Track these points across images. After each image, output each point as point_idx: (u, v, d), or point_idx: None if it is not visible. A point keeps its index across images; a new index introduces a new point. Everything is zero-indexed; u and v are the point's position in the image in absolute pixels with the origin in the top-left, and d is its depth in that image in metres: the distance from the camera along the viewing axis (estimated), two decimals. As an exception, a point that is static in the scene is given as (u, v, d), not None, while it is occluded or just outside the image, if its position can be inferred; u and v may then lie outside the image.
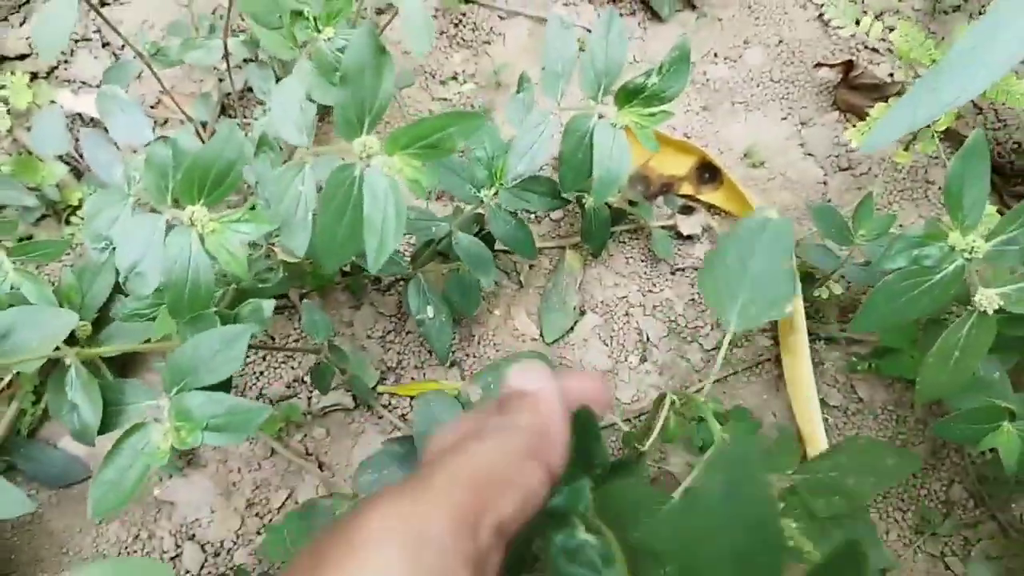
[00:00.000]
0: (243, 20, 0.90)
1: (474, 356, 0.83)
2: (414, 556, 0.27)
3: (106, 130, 0.74)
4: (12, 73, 0.81)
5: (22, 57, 0.90)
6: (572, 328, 0.84)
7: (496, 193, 0.69)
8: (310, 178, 0.58)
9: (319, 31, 0.65)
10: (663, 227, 0.86)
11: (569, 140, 0.62)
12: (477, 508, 0.30)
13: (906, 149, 0.83)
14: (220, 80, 0.89)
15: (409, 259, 0.76)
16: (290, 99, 0.60)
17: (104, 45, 0.92)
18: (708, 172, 0.86)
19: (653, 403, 0.80)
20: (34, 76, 0.88)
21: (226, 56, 0.77)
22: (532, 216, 0.88)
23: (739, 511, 0.23)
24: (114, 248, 0.57)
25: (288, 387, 0.81)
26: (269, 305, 0.61)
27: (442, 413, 0.59)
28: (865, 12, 0.83)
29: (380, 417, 0.80)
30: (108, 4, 0.95)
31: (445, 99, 0.91)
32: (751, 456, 0.23)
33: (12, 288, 0.71)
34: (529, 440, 0.33)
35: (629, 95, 0.61)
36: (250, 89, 0.87)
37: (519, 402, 0.35)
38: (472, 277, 0.77)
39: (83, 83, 0.90)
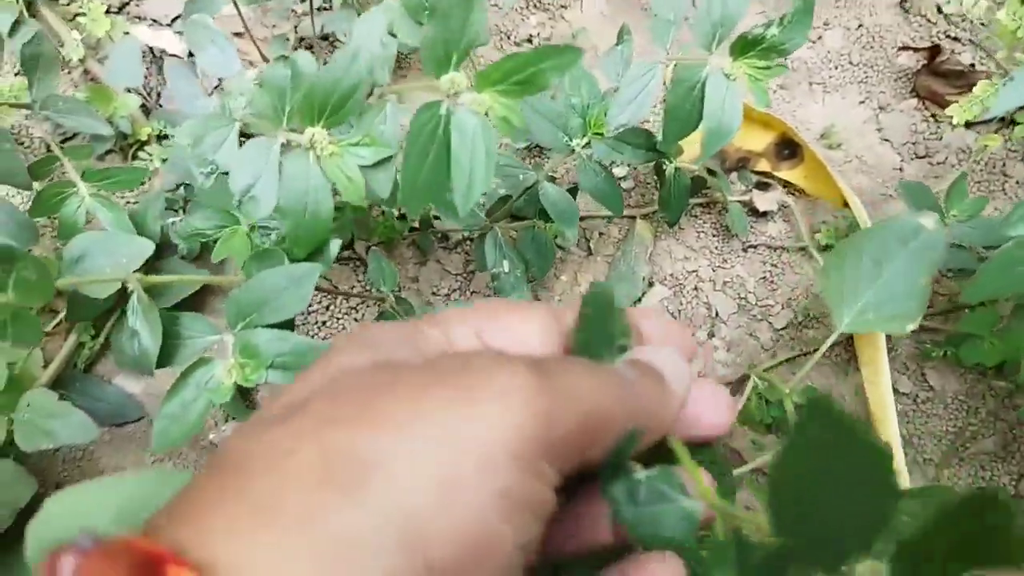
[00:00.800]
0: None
1: (540, 320, 0.81)
2: (535, 418, 0.25)
3: (185, 63, 0.73)
4: (91, 2, 0.79)
5: (93, -10, 0.88)
6: (640, 299, 0.83)
7: (588, 143, 0.67)
8: (392, 116, 0.56)
9: None
10: (738, 202, 0.84)
11: (677, 90, 0.60)
12: (585, 438, 0.28)
13: (996, 131, 0.82)
14: (295, 26, 0.87)
15: (484, 214, 0.75)
16: (372, 33, 0.58)
17: (177, -17, 0.90)
18: (788, 149, 0.85)
19: (735, 382, 0.79)
20: (107, 10, 0.87)
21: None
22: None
23: (846, 451, 0.21)
24: (222, 173, 0.56)
25: (351, 338, 0.79)
26: (335, 244, 0.59)
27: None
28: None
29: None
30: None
31: (519, 61, 0.90)
32: (841, 409, 0.21)
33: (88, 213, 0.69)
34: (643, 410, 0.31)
35: (746, 46, 0.59)
36: (325, 37, 0.86)
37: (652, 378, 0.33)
38: (546, 237, 0.76)
39: (154, 20, 0.88)
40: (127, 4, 0.89)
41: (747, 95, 0.61)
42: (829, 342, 0.56)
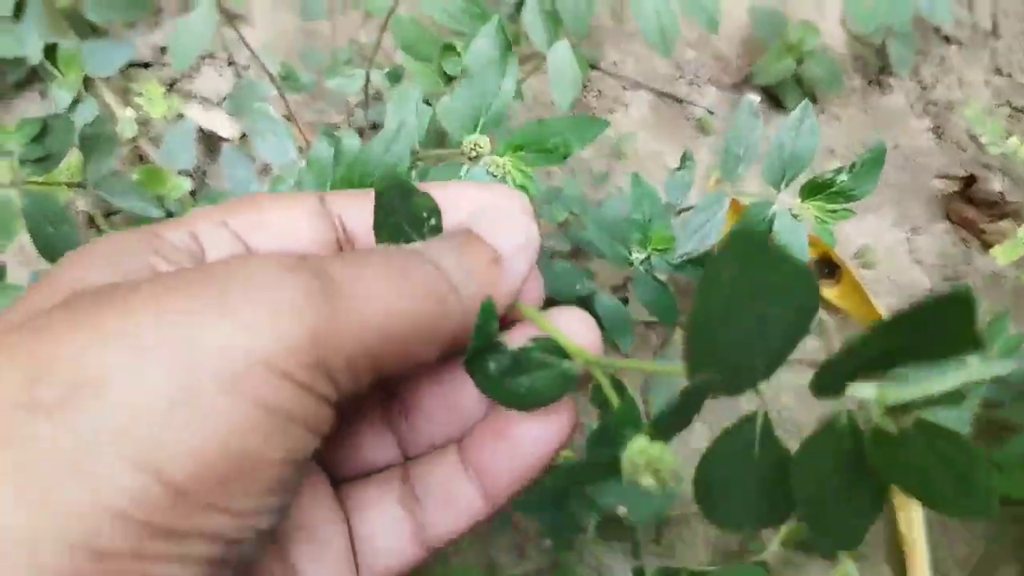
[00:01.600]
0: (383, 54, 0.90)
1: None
2: (304, 332, 0.23)
3: (238, 148, 0.73)
4: (149, 82, 0.80)
5: (147, 65, 0.89)
6: (675, 407, 0.83)
7: (647, 258, 0.68)
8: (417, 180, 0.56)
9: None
10: (775, 317, 0.85)
11: (746, 224, 0.62)
12: (384, 352, 0.25)
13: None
14: (348, 117, 0.88)
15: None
16: (406, 102, 0.59)
17: (229, 64, 0.91)
18: (827, 268, 0.86)
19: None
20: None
21: (367, 85, 0.77)
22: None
23: (767, 267, 0.21)
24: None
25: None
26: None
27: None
28: (1011, 133, 0.85)
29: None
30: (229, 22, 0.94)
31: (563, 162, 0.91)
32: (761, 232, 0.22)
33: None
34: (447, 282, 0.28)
35: (815, 189, 0.60)
36: (375, 126, 0.87)
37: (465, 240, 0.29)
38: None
39: (204, 98, 0.89)
40: (177, 81, 0.90)
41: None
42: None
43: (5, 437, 0.21)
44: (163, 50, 0.90)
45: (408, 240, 0.30)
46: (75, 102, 0.78)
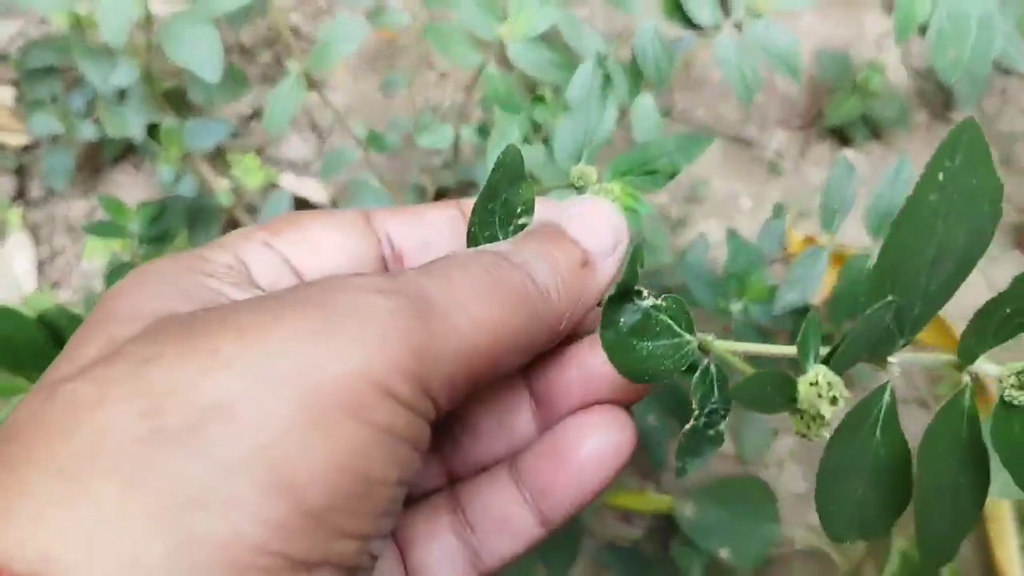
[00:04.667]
0: (457, 110, 0.93)
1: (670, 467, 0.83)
2: (409, 352, 0.23)
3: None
4: (246, 155, 0.83)
5: (234, 135, 0.92)
6: (768, 448, 0.85)
7: (745, 308, 0.70)
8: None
9: (557, 115, 0.68)
10: (859, 353, 0.87)
11: (846, 277, 0.64)
12: (477, 369, 0.25)
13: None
14: (432, 178, 0.91)
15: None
16: (506, 140, 0.60)
17: (312, 129, 0.95)
18: (907, 303, 0.88)
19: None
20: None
21: (456, 141, 0.80)
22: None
23: (976, 175, 0.23)
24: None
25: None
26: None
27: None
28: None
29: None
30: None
31: (639, 209, 0.93)
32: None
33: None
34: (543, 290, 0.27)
35: (914, 238, 0.62)
36: (460, 184, 0.89)
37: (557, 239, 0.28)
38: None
39: (291, 162, 0.92)
40: (265, 148, 0.93)
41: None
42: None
43: (130, 472, 0.19)
44: (249, 119, 0.94)
45: (493, 233, 0.30)
46: (177, 177, 0.82)
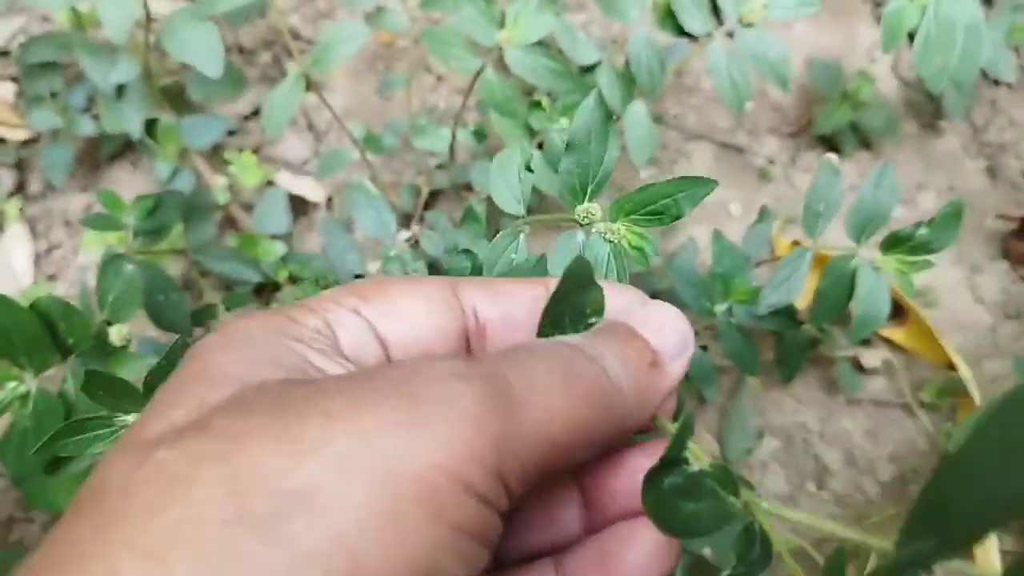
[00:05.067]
0: (452, 113, 0.94)
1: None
2: (488, 443, 0.23)
3: (335, 219, 0.77)
4: (243, 153, 0.84)
5: (231, 132, 0.93)
6: (751, 451, 0.86)
7: (729, 309, 0.71)
8: (524, 247, 0.59)
9: (554, 121, 0.69)
10: (846, 358, 0.88)
11: (829, 278, 0.65)
12: (552, 460, 0.25)
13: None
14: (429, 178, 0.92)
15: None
16: (508, 168, 0.61)
17: (309, 128, 0.96)
18: (893, 309, 0.89)
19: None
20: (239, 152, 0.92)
21: (453, 144, 0.81)
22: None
23: None
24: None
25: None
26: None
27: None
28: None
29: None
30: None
31: (630, 212, 0.94)
32: None
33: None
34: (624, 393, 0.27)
35: (895, 243, 0.64)
36: (456, 186, 0.90)
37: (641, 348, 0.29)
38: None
39: (287, 162, 0.93)
40: (262, 147, 0.94)
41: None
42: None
43: (217, 555, 0.20)
44: (247, 117, 0.95)
45: (563, 332, 0.30)
46: (174, 173, 0.83)
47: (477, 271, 0.57)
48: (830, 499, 0.84)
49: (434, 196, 0.90)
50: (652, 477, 0.28)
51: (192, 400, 0.24)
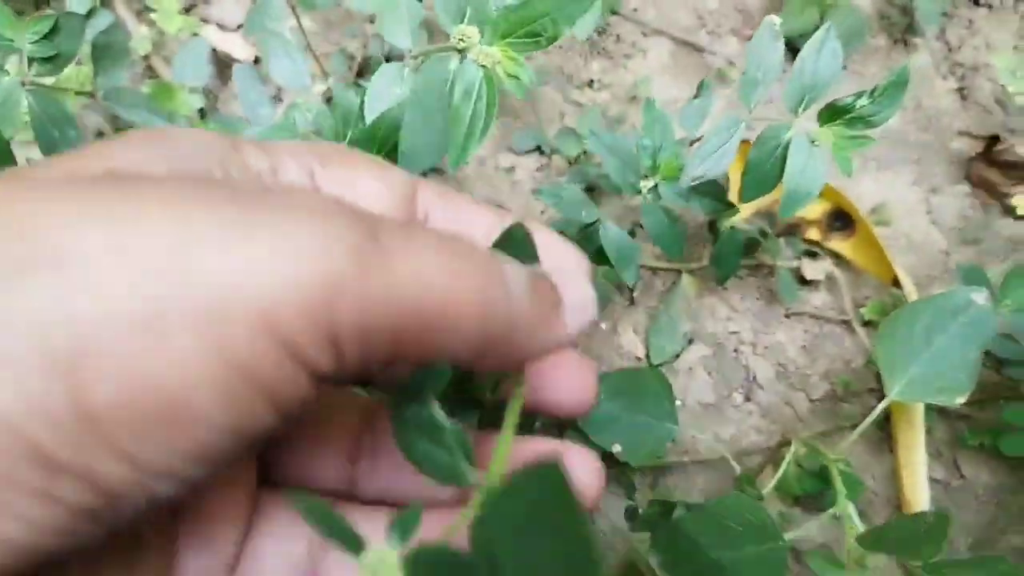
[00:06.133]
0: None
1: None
2: (324, 287, 0.19)
3: (253, 69, 0.73)
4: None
5: (162, -13, 0.88)
6: (678, 355, 0.82)
7: (655, 187, 0.66)
8: (408, 80, 0.54)
9: None
10: (787, 268, 0.84)
11: (760, 149, 0.60)
12: (406, 332, 0.21)
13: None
14: (364, 45, 0.87)
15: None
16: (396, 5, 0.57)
17: (244, -10, 0.90)
18: (840, 220, 0.85)
19: (770, 449, 0.78)
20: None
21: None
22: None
23: (551, 517, 0.19)
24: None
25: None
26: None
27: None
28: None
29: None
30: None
31: (578, 103, 0.90)
32: (561, 478, 0.18)
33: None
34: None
35: (834, 113, 0.59)
36: (389, 58, 0.85)
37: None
38: (601, 281, 0.75)
39: (220, 24, 0.88)
40: (194, 6, 0.89)
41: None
42: (879, 410, 0.55)
43: None
44: (180, -28, 0.90)
45: None
46: (90, 13, 0.78)
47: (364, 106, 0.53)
48: (756, 412, 0.80)
49: (366, 65, 0.85)
50: (399, 396, 0.27)
51: (64, 166, 0.22)
